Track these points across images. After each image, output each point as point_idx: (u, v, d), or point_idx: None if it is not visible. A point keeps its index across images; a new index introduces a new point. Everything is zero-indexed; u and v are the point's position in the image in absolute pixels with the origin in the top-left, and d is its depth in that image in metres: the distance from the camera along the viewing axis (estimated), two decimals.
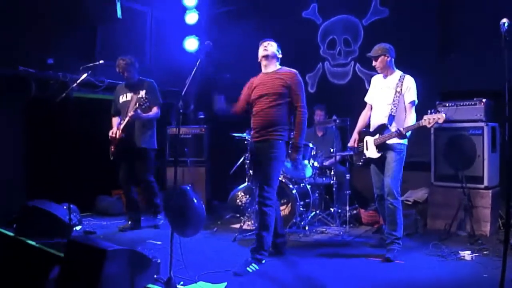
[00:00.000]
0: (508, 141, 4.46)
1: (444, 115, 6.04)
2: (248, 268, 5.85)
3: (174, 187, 5.75)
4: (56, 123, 8.21)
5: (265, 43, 6.49)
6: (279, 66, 6.56)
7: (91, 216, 9.28)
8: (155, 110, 8.02)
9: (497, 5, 7.73)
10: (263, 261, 6.07)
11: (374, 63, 6.71)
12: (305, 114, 6.30)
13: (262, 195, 6.10)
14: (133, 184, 8.28)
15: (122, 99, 8.13)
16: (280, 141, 6.21)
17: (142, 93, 7.90)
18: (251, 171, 8.34)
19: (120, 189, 9.33)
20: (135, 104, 7.69)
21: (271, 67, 6.49)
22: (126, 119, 7.77)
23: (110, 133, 8.01)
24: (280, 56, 6.58)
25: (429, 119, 6.06)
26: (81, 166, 8.75)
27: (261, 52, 6.48)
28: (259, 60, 6.54)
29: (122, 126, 7.86)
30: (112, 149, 8.03)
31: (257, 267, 5.92)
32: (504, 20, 4.47)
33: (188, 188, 6.00)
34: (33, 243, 6.28)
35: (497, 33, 4.46)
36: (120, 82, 8.30)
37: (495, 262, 5.87)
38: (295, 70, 6.47)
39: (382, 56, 6.60)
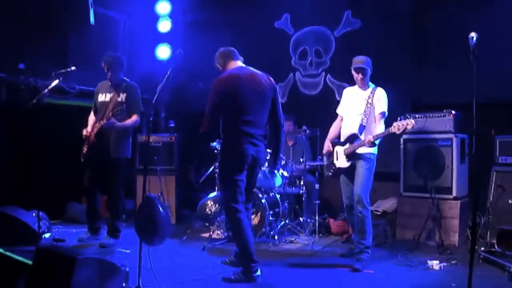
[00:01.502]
0: (475, 153, 4.52)
1: (413, 121, 6.10)
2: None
3: (142, 196, 5.75)
4: (26, 129, 8.17)
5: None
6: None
7: (60, 224, 9.18)
8: (134, 118, 7.59)
9: (468, 18, 7.84)
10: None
11: (356, 76, 6.73)
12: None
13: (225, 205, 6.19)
14: (98, 192, 7.95)
15: (100, 98, 7.72)
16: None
17: (123, 96, 7.53)
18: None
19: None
20: (112, 110, 7.36)
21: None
22: (99, 126, 7.41)
23: (84, 132, 7.64)
24: (232, 62, 6.30)
25: (398, 126, 6.11)
26: (51, 172, 8.72)
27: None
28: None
29: (95, 131, 7.47)
30: (84, 151, 7.65)
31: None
32: (473, 34, 4.53)
33: (155, 196, 6.01)
34: (0, 250, 6.22)
35: (467, 47, 4.54)
36: (91, 88, 8.13)
37: (463, 272, 5.87)
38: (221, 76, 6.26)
39: (367, 69, 6.67)
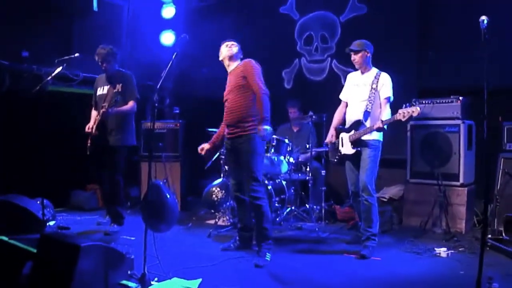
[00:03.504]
0: (485, 139, 4.47)
1: (418, 108, 6.03)
2: (266, 258, 6.03)
3: (148, 182, 5.71)
4: (30, 117, 8.13)
5: (229, 43, 6.53)
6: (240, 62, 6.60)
7: (65, 211, 9.18)
8: (130, 104, 7.63)
9: (474, 3, 7.76)
10: (271, 250, 6.22)
11: (353, 57, 6.69)
12: (265, 96, 6.20)
13: (252, 190, 6.22)
14: (106, 180, 7.97)
15: (99, 91, 7.80)
16: (254, 133, 6.21)
17: (119, 86, 7.60)
18: (226, 167, 8.32)
19: (95, 183, 9.29)
20: (109, 101, 7.42)
21: (233, 67, 6.54)
22: (99, 118, 7.48)
23: (86, 128, 7.63)
24: (241, 57, 6.60)
25: (404, 113, 6.05)
26: (55, 160, 8.68)
27: (225, 52, 6.52)
28: (220, 59, 6.59)
29: (96, 124, 7.51)
30: (88, 144, 7.63)
31: (270, 255, 6.10)
32: (483, 17, 4.47)
33: (161, 183, 5.97)
34: (5, 238, 6.20)
35: (476, 31, 4.47)
36: (95, 76, 8.12)
37: (471, 259, 5.90)
38: (249, 59, 6.47)
39: (363, 51, 6.60)
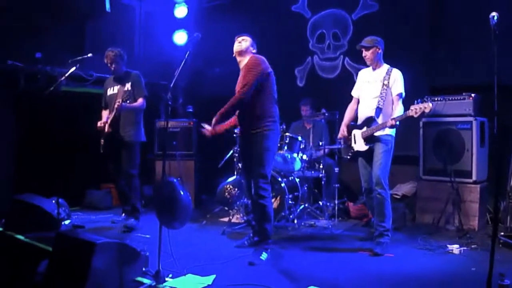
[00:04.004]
0: (496, 136, 4.47)
1: (431, 104, 6.04)
2: (261, 257, 5.99)
3: (162, 180, 5.74)
4: (44, 117, 8.21)
5: (240, 38, 6.46)
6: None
7: (80, 210, 9.22)
8: (140, 101, 7.83)
9: None
10: (269, 250, 6.18)
11: (364, 53, 6.70)
12: (239, 98, 6.17)
13: (259, 188, 6.18)
14: (121, 176, 8.14)
15: (109, 92, 8.04)
16: (268, 131, 6.19)
17: (128, 85, 7.83)
18: (239, 164, 8.34)
19: (109, 182, 9.34)
20: (120, 98, 7.61)
21: (245, 62, 6.43)
22: (113, 114, 7.70)
23: (98, 124, 7.88)
24: (254, 51, 6.52)
25: (416, 109, 6.05)
26: (70, 160, 8.75)
27: (235, 48, 6.45)
28: (234, 55, 6.51)
29: (109, 121, 7.76)
30: (102, 142, 7.91)
31: (267, 256, 6.07)
32: (494, 13, 4.48)
33: (175, 180, 5.99)
34: (21, 237, 6.27)
35: (487, 27, 4.47)
36: (108, 75, 8.23)
37: (483, 256, 5.89)
38: (254, 54, 6.46)
39: (374, 48, 6.61)
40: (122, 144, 7.81)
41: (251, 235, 6.73)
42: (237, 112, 6.44)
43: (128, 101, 7.59)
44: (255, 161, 6.24)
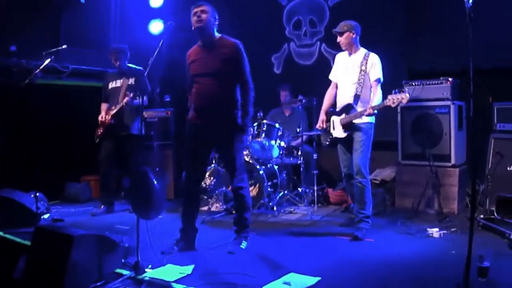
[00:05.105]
0: (473, 120, 4.48)
1: (407, 95, 6.06)
2: (241, 246, 5.93)
3: (133, 171, 5.73)
4: (21, 111, 8.13)
5: (198, 10, 5.81)
6: (218, 35, 6.02)
7: (59, 204, 9.12)
8: (144, 98, 7.90)
9: None
10: (248, 238, 6.11)
11: (339, 39, 6.68)
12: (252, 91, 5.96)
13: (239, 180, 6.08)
14: (113, 168, 8.38)
15: (111, 85, 8.30)
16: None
17: (132, 80, 8.06)
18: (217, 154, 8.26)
19: (89, 175, 9.31)
20: (125, 91, 7.92)
21: (211, 38, 5.95)
22: (118, 106, 7.96)
23: (99, 118, 8.15)
24: (216, 23, 5.96)
25: (393, 99, 6.06)
26: (48, 153, 8.71)
27: (194, 23, 5.82)
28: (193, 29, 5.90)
29: (113, 112, 8.03)
30: (99, 133, 8.18)
31: (247, 244, 6.01)
32: None
33: (148, 170, 5.97)
34: (0, 233, 6.24)
35: (464, 11, 4.47)
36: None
37: (463, 239, 5.87)
38: (237, 41, 5.98)
39: (348, 33, 6.58)
40: (126, 137, 8.18)
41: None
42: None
43: (133, 94, 7.83)
44: (226, 154, 6.13)
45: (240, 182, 6.05)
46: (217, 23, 5.96)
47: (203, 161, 6.21)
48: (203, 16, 5.77)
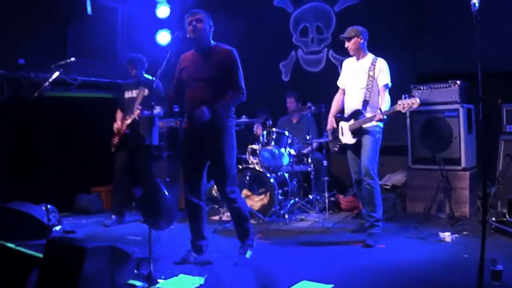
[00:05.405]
0: (482, 123, 4.47)
1: (418, 100, 6.04)
2: (246, 255, 5.83)
3: (145, 181, 5.73)
4: (31, 123, 8.17)
5: (193, 19, 5.78)
6: (214, 43, 5.97)
7: (70, 216, 9.12)
8: (158, 108, 8.09)
9: None
10: (253, 247, 5.99)
11: (347, 44, 6.68)
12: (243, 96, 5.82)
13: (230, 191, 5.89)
14: (127, 178, 8.39)
15: (127, 95, 8.34)
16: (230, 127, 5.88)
17: (147, 91, 8.05)
18: None
19: (99, 186, 9.33)
20: (141, 102, 7.94)
21: (206, 46, 5.90)
22: (133, 116, 7.99)
23: (114, 126, 8.22)
24: (212, 30, 5.91)
25: (403, 104, 6.05)
26: (59, 165, 8.72)
27: (190, 33, 5.78)
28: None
29: (128, 122, 8.07)
30: (115, 142, 8.20)
31: (251, 253, 5.89)
32: (475, 0, 4.47)
33: (159, 181, 5.96)
34: (12, 245, 6.23)
35: (470, 14, 4.47)
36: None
37: (475, 243, 5.86)
38: (232, 48, 5.92)
39: (355, 38, 6.58)
40: (141, 148, 8.20)
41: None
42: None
43: (149, 105, 7.62)
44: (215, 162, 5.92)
45: (232, 194, 5.84)
46: (212, 30, 5.92)
47: (200, 168, 5.93)
48: (199, 25, 5.75)
